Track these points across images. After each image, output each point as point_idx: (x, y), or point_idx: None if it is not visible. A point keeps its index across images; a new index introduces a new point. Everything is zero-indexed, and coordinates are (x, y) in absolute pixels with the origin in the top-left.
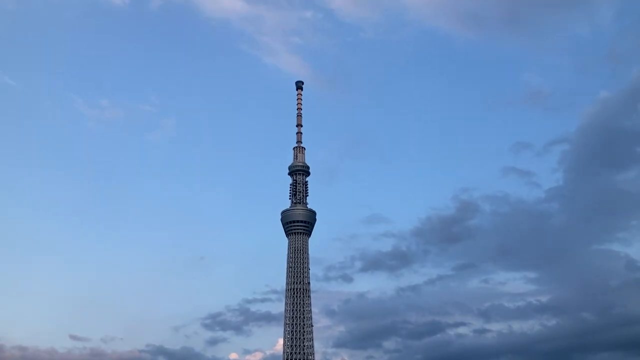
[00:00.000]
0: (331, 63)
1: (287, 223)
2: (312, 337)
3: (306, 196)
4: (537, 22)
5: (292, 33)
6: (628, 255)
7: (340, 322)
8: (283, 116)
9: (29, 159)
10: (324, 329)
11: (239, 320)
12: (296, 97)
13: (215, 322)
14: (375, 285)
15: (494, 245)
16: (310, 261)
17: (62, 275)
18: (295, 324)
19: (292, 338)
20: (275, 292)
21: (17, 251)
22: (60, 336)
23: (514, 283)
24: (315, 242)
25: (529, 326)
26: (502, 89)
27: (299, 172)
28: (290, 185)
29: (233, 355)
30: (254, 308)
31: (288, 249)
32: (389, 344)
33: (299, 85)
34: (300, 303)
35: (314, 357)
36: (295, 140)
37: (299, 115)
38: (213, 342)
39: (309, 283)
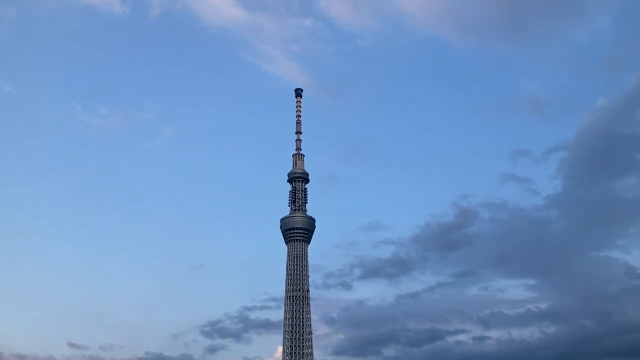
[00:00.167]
0: (330, 71)
1: (287, 230)
2: (311, 344)
3: (305, 203)
4: (535, 30)
5: (292, 41)
6: (627, 262)
7: (339, 330)
8: (282, 123)
9: (28, 167)
10: (323, 337)
11: (238, 328)
12: (295, 105)
13: (215, 329)
14: (374, 293)
15: (493, 252)
16: (310, 268)
17: (61, 282)
18: (295, 331)
19: (291, 346)
20: (274, 299)
21: (15, 259)
22: (59, 344)
23: (514, 290)
24: (315, 250)
25: (528, 333)
26: (500, 96)
27: (298, 179)
28: (290, 192)
29: None
30: (253, 315)
31: (287, 256)
32: (389, 351)
33: (298, 93)
34: (299, 310)
35: None
36: (295, 148)
37: (298, 123)
38: (212, 349)
39: (308, 290)
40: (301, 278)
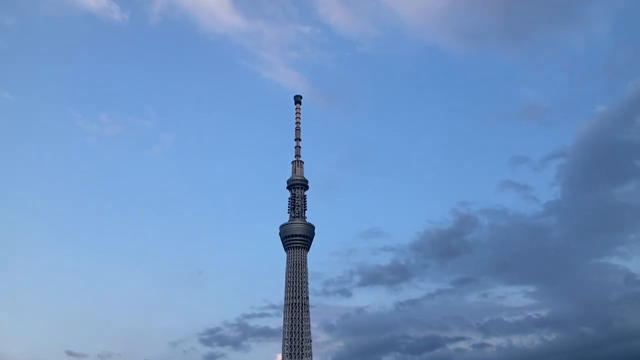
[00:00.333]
0: (329, 77)
1: (286, 237)
2: (310, 352)
3: (305, 210)
4: (534, 37)
5: (291, 48)
6: (627, 269)
7: (339, 337)
8: (282, 130)
9: (28, 174)
10: (323, 344)
11: (237, 336)
12: (295, 111)
13: (213, 337)
14: (374, 300)
15: (493, 259)
16: (309, 275)
17: (59, 289)
18: (294, 339)
19: (290, 353)
20: (273, 307)
21: (14, 265)
22: (57, 352)
23: (513, 297)
24: (314, 257)
25: (528, 340)
26: (499, 104)
27: (298, 186)
28: (289, 199)
29: None
30: (252, 323)
31: (287, 263)
32: (388, 359)
33: (298, 100)
34: (298, 318)
35: None
36: (294, 154)
37: (298, 129)
38: (211, 357)
39: (307, 298)
40: (300, 285)
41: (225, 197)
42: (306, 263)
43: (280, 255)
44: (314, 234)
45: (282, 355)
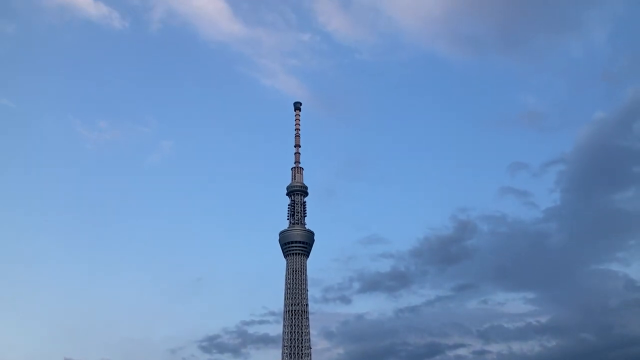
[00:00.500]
0: (329, 84)
1: (285, 244)
2: (310, 359)
3: (304, 217)
4: (532, 44)
5: (290, 55)
6: (627, 275)
7: (338, 344)
8: (281, 137)
9: (27, 181)
10: (323, 351)
11: (237, 343)
12: (294, 118)
13: (213, 344)
14: (373, 307)
15: (493, 265)
16: (309, 282)
17: (58, 297)
18: (294, 346)
19: None
20: (273, 314)
21: (13, 273)
22: (56, 359)
23: (513, 303)
24: (314, 263)
25: (529, 347)
26: (498, 110)
27: (297, 193)
28: (289, 205)
29: None
30: (251, 330)
31: (286, 270)
32: None
33: (297, 106)
34: (298, 325)
35: None
36: (294, 161)
37: (297, 136)
38: None
39: (307, 304)
40: (300, 292)
41: (224, 203)
42: (306, 270)
43: (279, 262)
44: (313, 240)
45: None
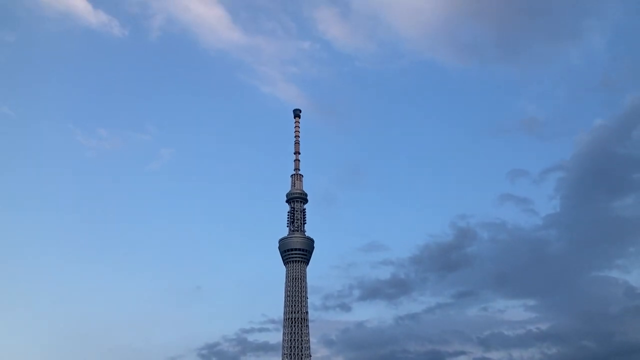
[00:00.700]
0: (328, 92)
1: (285, 251)
2: None
3: (304, 224)
4: (531, 51)
5: (290, 63)
6: (627, 282)
7: (338, 352)
8: (281, 144)
9: (26, 190)
10: (322, 359)
11: (236, 351)
12: (294, 125)
13: (212, 352)
14: (374, 314)
15: (493, 272)
16: (309, 290)
17: (57, 304)
18: (293, 354)
19: None
20: (272, 321)
21: (11, 282)
22: None
23: (514, 311)
24: (313, 271)
25: (529, 355)
26: (497, 117)
27: (297, 200)
28: (288, 212)
29: None
30: (251, 338)
31: (286, 277)
32: None
33: (297, 114)
34: (298, 333)
35: None
36: (293, 168)
37: (297, 143)
38: None
39: (307, 312)
40: (300, 300)
41: (224, 210)
42: (305, 277)
43: (279, 270)
44: (313, 247)
45: None
